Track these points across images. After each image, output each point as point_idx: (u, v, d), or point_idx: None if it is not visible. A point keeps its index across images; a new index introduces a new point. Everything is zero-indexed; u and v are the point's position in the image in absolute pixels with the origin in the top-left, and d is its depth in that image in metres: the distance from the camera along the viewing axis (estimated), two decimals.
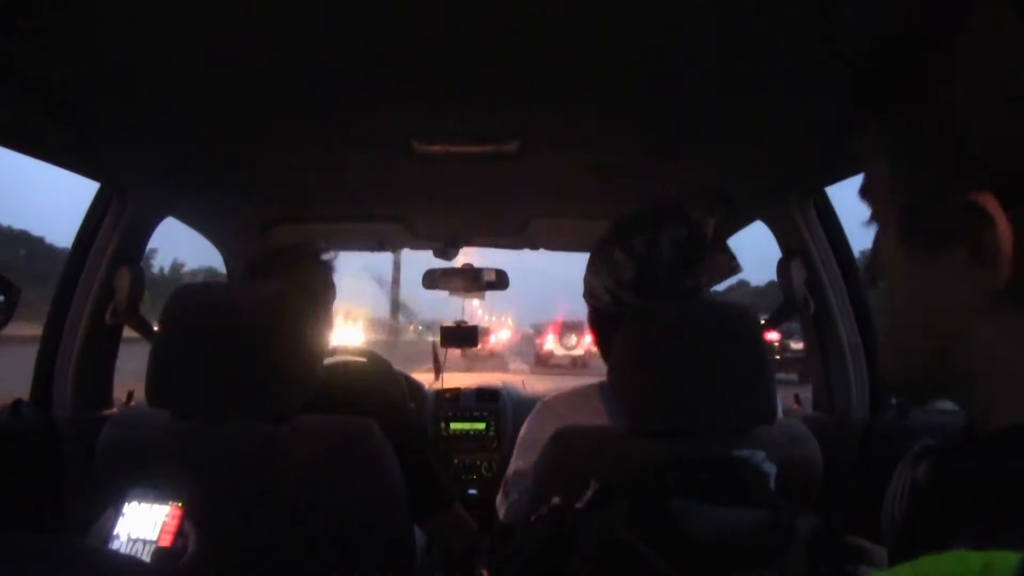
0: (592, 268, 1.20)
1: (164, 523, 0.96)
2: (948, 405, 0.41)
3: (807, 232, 1.60)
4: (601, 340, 1.21)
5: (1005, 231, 0.35)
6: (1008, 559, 0.27)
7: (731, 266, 1.16)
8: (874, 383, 1.59)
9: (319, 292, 1.36)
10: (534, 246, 2.40)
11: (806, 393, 1.78)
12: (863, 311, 1.60)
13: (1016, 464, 0.33)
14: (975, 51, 0.37)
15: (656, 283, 1.12)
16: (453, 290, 2.49)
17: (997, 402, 0.37)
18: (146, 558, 0.93)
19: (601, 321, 1.20)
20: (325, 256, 1.41)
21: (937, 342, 0.40)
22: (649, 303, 1.09)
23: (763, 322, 1.25)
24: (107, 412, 1.62)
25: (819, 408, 1.70)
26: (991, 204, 0.35)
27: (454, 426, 2.25)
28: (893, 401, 1.57)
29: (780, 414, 1.07)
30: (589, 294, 1.21)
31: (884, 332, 0.45)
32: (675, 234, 1.12)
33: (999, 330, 0.37)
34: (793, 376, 8.41)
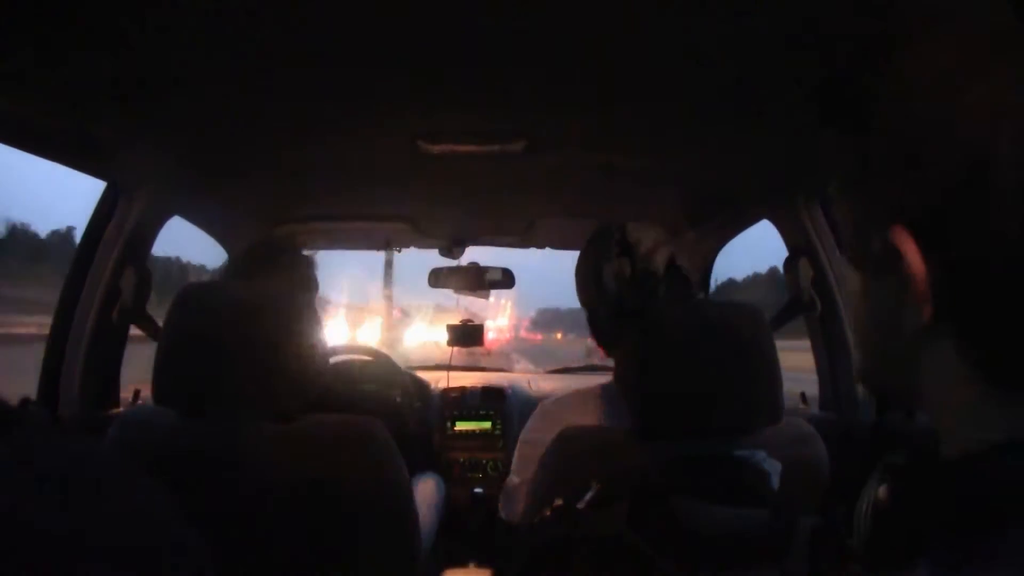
0: (577, 281, 1.23)
1: None
2: None
3: (814, 231, 1.59)
4: (598, 342, 1.22)
5: (918, 267, 0.35)
6: None
7: (689, 295, 1.15)
8: None
9: (308, 288, 1.37)
10: (539, 245, 2.40)
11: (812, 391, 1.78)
12: None
13: (965, 491, 0.33)
14: (895, 89, 0.37)
15: (623, 304, 1.13)
16: (458, 289, 2.49)
17: (948, 425, 0.37)
18: None
19: (593, 325, 1.21)
20: (306, 252, 1.42)
21: (891, 359, 0.41)
22: (651, 307, 1.09)
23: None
24: (113, 411, 1.63)
25: (826, 408, 1.69)
26: (904, 240, 0.35)
27: (460, 425, 2.25)
28: None
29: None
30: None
31: (856, 338, 0.46)
32: (617, 268, 1.13)
33: (935, 360, 0.37)
34: None
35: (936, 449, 0.38)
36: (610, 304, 1.15)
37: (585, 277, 1.19)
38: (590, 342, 1.27)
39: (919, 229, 0.35)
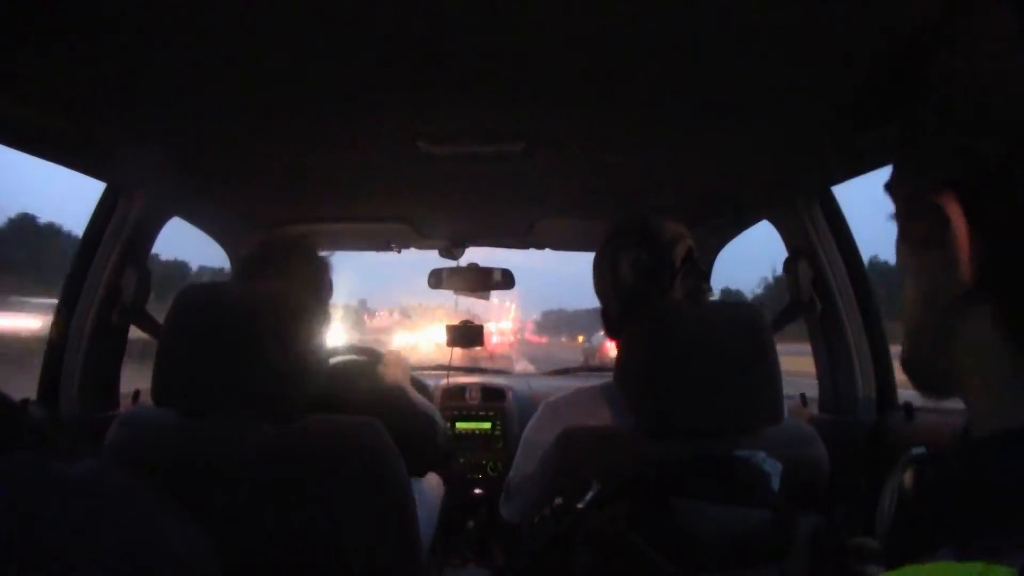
0: (594, 273, 1.24)
1: None
2: (958, 405, 0.41)
3: (814, 232, 1.59)
4: (608, 334, 1.23)
5: (962, 234, 0.35)
6: (1001, 574, 0.26)
7: (702, 289, 1.15)
8: (881, 384, 1.58)
9: (320, 290, 1.37)
10: (540, 246, 2.40)
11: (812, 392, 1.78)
12: (870, 311, 1.59)
13: (995, 473, 0.33)
14: (948, 61, 0.37)
15: (635, 297, 1.15)
16: (459, 290, 2.49)
17: (981, 406, 0.37)
18: None
19: (607, 320, 1.22)
20: (322, 253, 1.42)
21: (933, 337, 0.41)
22: (655, 304, 1.09)
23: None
24: (114, 411, 1.63)
25: (826, 409, 1.69)
26: (951, 206, 0.35)
27: (460, 425, 2.25)
28: (900, 402, 1.57)
29: (786, 414, 1.07)
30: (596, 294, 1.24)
31: (903, 322, 0.46)
32: (635, 257, 1.14)
33: (973, 333, 0.37)
34: None
35: (964, 434, 0.38)
36: (623, 294, 1.16)
37: (601, 267, 1.21)
38: (585, 343, 1.29)
39: (966, 196, 0.35)
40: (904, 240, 0.42)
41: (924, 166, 0.39)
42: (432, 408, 1.49)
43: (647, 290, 1.13)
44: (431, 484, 1.78)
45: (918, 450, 0.38)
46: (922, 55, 0.40)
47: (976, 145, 0.35)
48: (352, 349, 2.04)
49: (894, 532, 0.37)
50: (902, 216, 0.41)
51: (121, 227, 1.57)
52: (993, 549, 0.29)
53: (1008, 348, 0.35)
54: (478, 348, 2.67)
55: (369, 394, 1.43)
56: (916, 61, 0.40)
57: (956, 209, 0.35)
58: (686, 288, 1.12)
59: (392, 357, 1.67)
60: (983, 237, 0.35)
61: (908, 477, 0.36)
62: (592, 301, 1.28)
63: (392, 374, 1.56)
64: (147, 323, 1.63)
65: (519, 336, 33.41)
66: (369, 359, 1.86)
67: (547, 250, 2.47)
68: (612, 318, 1.21)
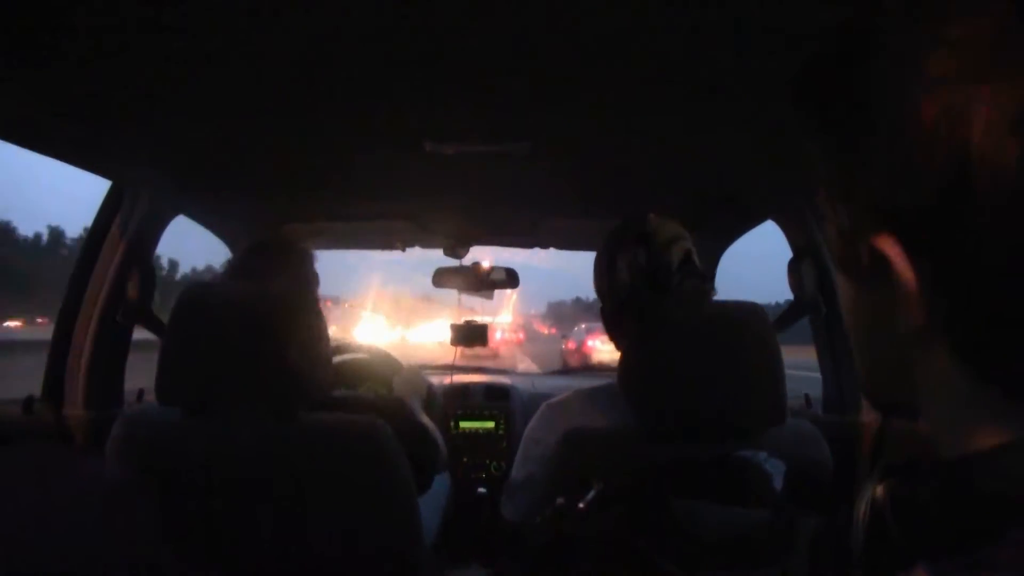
0: (594, 272, 1.24)
1: None
2: None
3: (818, 232, 1.59)
4: (611, 338, 1.23)
5: (907, 276, 0.34)
6: None
7: (703, 289, 1.15)
8: None
9: (311, 285, 1.37)
10: (544, 245, 2.40)
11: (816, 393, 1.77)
12: None
13: (970, 492, 0.32)
14: (880, 74, 0.36)
15: (632, 296, 1.15)
16: (463, 289, 2.49)
17: (943, 431, 0.37)
18: None
19: (606, 319, 1.22)
20: (304, 247, 1.43)
21: (889, 370, 0.40)
22: (658, 304, 1.09)
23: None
24: (117, 409, 1.64)
25: (830, 410, 1.69)
26: (892, 249, 0.35)
27: (463, 425, 2.25)
28: None
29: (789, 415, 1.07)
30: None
31: (855, 353, 0.45)
32: (632, 257, 1.14)
33: (931, 362, 0.36)
34: None
35: (935, 452, 0.38)
36: (620, 293, 1.15)
37: (600, 266, 1.21)
38: (565, 346, 1.30)
39: (906, 235, 0.34)
40: (846, 274, 0.41)
41: (858, 205, 0.37)
42: (435, 430, 1.48)
43: (643, 290, 1.13)
44: (435, 483, 1.78)
45: (891, 462, 0.38)
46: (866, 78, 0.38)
47: (911, 178, 0.33)
48: (356, 348, 2.04)
49: (869, 545, 0.37)
50: (836, 246, 0.40)
51: (126, 225, 1.57)
52: (968, 566, 0.30)
53: (968, 381, 0.35)
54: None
55: (371, 392, 1.43)
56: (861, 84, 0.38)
57: (896, 249, 0.34)
58: (687, 288, 1.12)
59: (408, 374, 1.68)
60: (928, 275, 0.34)
61: (880, 492, 0.36)
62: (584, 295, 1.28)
63: (402, 390, 1.57)
64: (151, 322, 1.64)
65: (524, 331, 32.84)
66: (373, 358, 1.85)
67: (551, 250, 2.47)
68: (610, 317, 1.21)
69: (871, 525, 0.37)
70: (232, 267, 1.45)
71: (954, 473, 0.34)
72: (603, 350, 12.85)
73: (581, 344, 15.59)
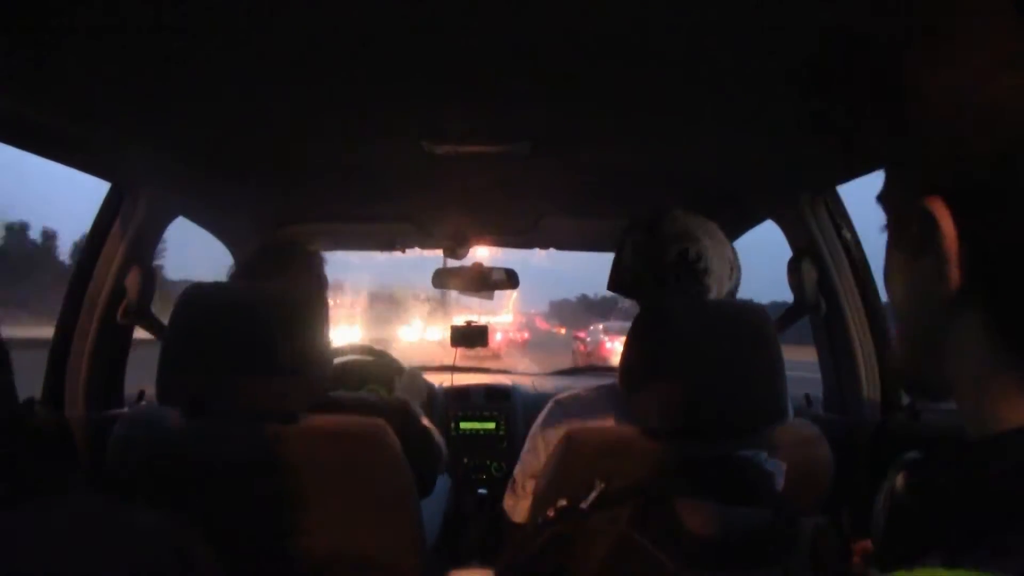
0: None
1: None
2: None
3: (818, 232, 1.59)
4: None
5: (951, 238, 0.35)
6: None
7: (698, 291, 1.15)
8: (885, 384, 1.57)
9: (318, 288, 1.37)
10: (544, 245, 2.40)
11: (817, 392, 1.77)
12: (875, 312, 1.59)
13: (986, 479, 0.33)
14: (934, 59, 0.38)
15: (634, 290, 1.18)
16: (462, 290, 2.49)
17: (972, 409, 0.38)
18: None
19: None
20: (314, 249, 1.43)
21: (924, 343, 0.41)
22: (659, 302, 1.09)
23: None
24: (118, 411, 1.63)
25: (830, 409, 1.69)
26: (940, 211, 0.36)
27: (464, 426, 2.25)
28: (905, 402, 1.56)
29: (791, 414, 1.07)
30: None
31: (896, 328, 0.46)
32: (635, 250, 1.18)
33: (963, 336, 0.37)
34: None
35: (958, 436, 0.38)
36: (623, 276, 1.17)
37: (615, 259, 1.24)
38: (577, 348, 1.31)
39: (955, 201, 0.35)
40: (895, 247, 0.42)
41: (913, 173, 0.39)
42: (437, 433, 1.48)
43: (643, 284, 1.15)
44: (435, 484, 1.78)
45: (913, 453, 0.38)
46: (905, 64, 0.41)
47: (964, 152, 0.35)
48: (358, 349, 2.04)
49: (886, 536, 0.37)
50: (892, 223, 0.42)
51: (126, 227, 1.57)
52: (981, 556, 0.30)
53: (998, 351, 0.35)
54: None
55: (372, 393, 1.43)
56: (898, 69, 0.40)
57: (945, 214, 0.36)
58: (679, 289, 1.12)
59: (409, 375, 1.68)
60: (971, 241, 0.35)
61: (900, 480, 0.37)
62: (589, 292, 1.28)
63: (403, 392, 1.57)
64: (151, 323, 1.64)
65: (528, 331, 32.61)
66: (374, 360, 1.86)
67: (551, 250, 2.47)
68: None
69: (891, 514, 0.37)
70: (240, 267, 1.46)
71: (972, 458, 0.34)
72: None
73: (598, 346, 14.72)
